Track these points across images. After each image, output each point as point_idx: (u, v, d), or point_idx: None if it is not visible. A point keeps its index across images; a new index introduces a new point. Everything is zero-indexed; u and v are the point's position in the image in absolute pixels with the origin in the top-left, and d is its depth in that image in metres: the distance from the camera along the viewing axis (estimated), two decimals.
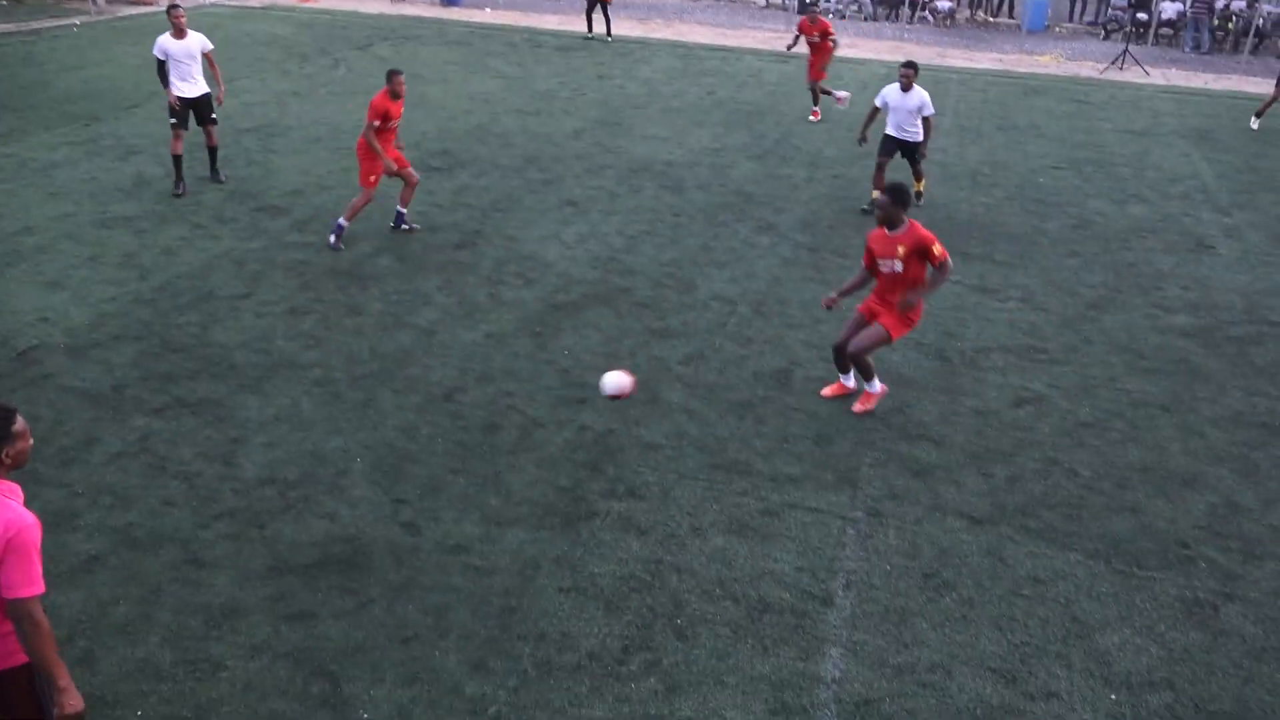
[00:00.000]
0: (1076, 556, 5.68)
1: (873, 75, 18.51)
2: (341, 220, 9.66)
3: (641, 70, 18.11)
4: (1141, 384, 7.63)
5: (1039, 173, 12.84)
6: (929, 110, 10.65)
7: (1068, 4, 27.03)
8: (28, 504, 3.62)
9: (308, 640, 4.89)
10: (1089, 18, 26.20)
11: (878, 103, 10.88)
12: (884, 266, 6.83)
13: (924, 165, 11.21)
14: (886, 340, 6.89)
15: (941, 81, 18.11)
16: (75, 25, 20.57)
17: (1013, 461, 6.57)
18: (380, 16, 22.94)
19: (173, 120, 10.72)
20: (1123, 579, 5.52)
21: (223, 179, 11.31)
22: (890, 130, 10.88)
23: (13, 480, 3.56)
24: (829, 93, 14.95)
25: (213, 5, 23.64)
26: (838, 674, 4.81)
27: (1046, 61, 20.89)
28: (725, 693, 4.68)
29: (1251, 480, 6.46)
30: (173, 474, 6.14)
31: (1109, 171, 13.01)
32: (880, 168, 10.97)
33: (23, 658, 3.44)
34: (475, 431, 6.72)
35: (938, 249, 6.63)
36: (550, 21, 23.08)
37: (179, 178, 10.93)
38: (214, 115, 11.02)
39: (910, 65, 10.66)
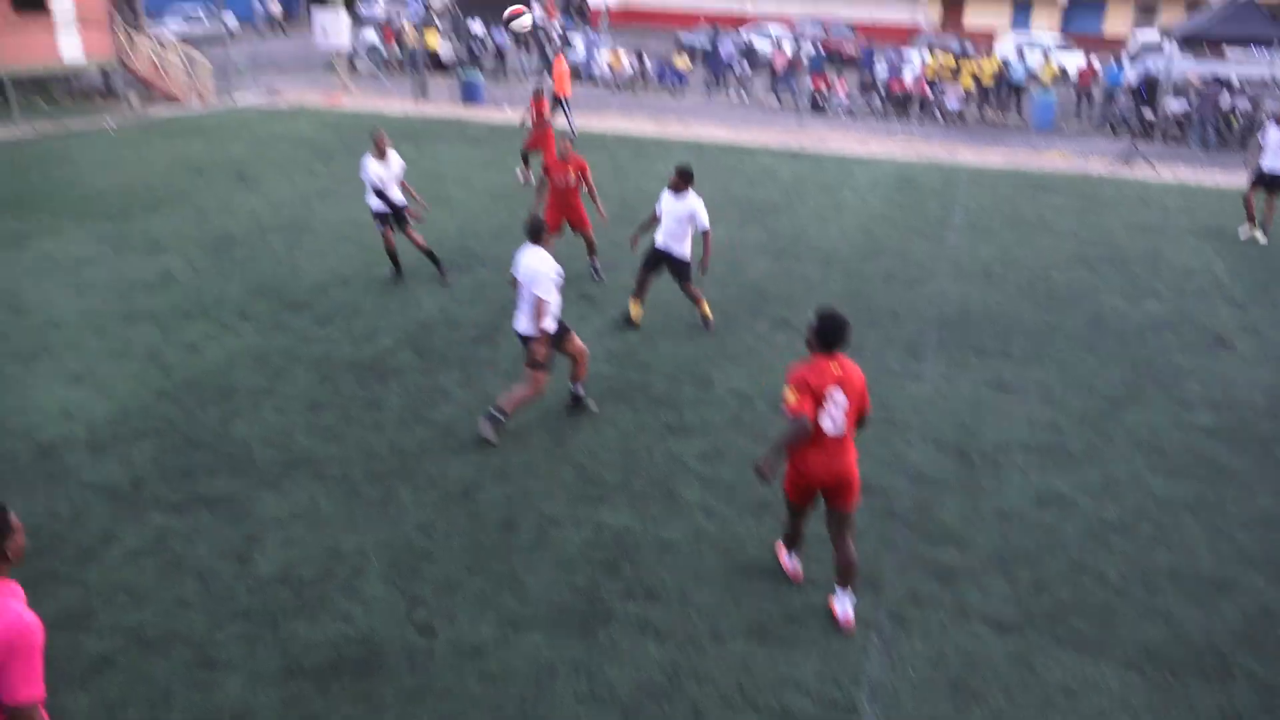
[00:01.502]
0: (1108, 666, 5.53)
1: (883, 174, 18.84)
2: None
3: (656, 167, 18.50)
4: (1166, 484, 7.53)
5: (1051, 268, 12.94)
6: (702, 222, 9.42)
7: (1075, 102, 27.64)
8: (44, 601, 3.59)
9: None
10: (1096, 116, 26.72)
11: (656, 210, 9.73)
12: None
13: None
14: None
15: (951, 179, 18.41)
16: (110, 126, 21.25)
17: (1038, 564, 6.45)
18: (404, 117, 23.63)
19: (382, 228, 11.30)
20: (1158, 690, 5.35)
21: (448, 282, 11.62)
22: (657, 242, 9.67)
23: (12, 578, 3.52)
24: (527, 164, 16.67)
25: (244, 106, 24.43)
26: None
27: (1055, 158, 21.24)
28: None
29: None
30: (189, 572, 6.09)
31: (1122, 268, 13.09)
32: (640, 284, 9.96)
33: None
34: (492, 530, 6.67)
35: (785, 393, 5.43)
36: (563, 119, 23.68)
37: (398, 267, 11.68)
38: (410, 223, 11.47)
39: (684, 173, 9.42)
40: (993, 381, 9.32)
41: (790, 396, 5.33)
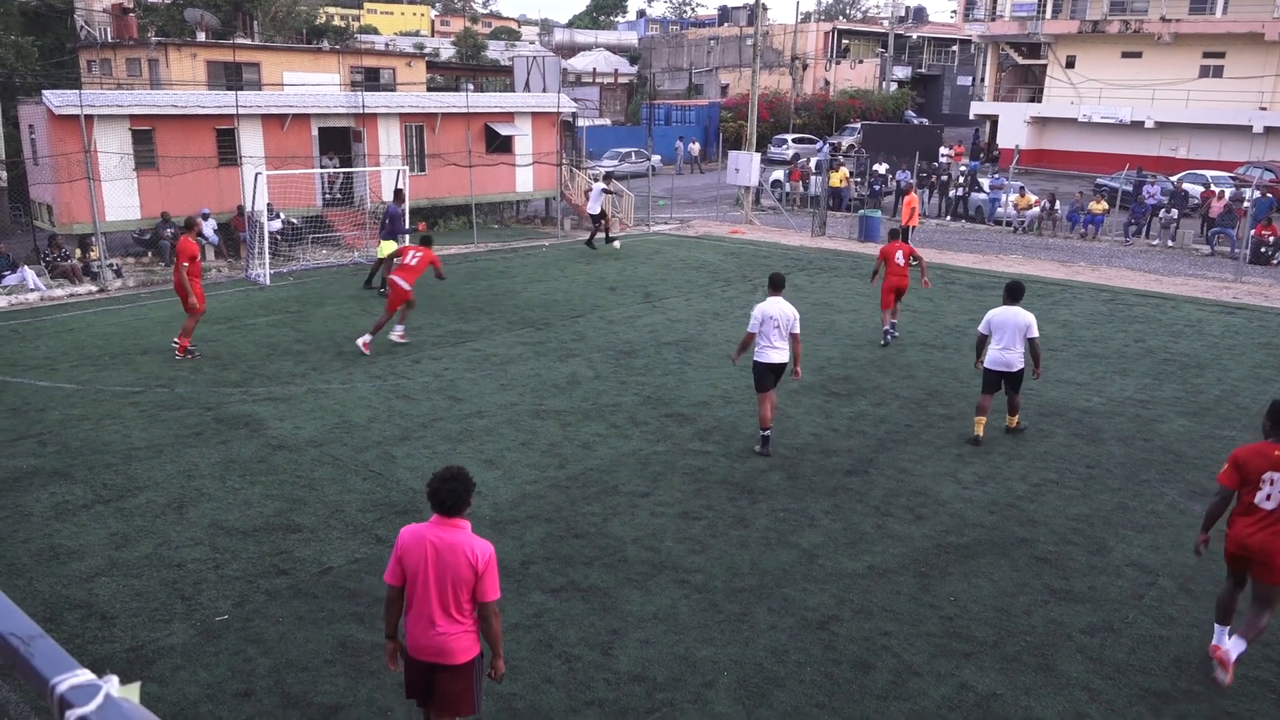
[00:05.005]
0: None
1: None
2: None
3: (1060, 313, 17.39)
4: None
5: None
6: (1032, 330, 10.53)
7: None
8: None
9: None
10: None
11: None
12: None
13: None
14: None
15: None
16: (545, 246, 24.31)
17: None
18: (800, 248, 24.51)
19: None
20: None
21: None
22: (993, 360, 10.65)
23: None
24: None
25: (655, 233, 26.81)
26: None
27: None
28: None
29: None
30: (557, 653, 6.50)
31: None
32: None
33: (476, 651, 4.82)
34: (846, 667, 6.41)
35: None
36: (964, 260, 23.16)
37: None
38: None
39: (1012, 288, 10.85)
40: None
41: (1224, 469, 6.27)
